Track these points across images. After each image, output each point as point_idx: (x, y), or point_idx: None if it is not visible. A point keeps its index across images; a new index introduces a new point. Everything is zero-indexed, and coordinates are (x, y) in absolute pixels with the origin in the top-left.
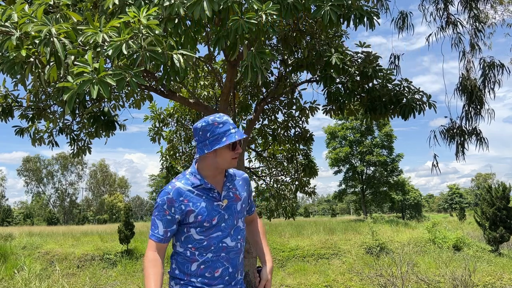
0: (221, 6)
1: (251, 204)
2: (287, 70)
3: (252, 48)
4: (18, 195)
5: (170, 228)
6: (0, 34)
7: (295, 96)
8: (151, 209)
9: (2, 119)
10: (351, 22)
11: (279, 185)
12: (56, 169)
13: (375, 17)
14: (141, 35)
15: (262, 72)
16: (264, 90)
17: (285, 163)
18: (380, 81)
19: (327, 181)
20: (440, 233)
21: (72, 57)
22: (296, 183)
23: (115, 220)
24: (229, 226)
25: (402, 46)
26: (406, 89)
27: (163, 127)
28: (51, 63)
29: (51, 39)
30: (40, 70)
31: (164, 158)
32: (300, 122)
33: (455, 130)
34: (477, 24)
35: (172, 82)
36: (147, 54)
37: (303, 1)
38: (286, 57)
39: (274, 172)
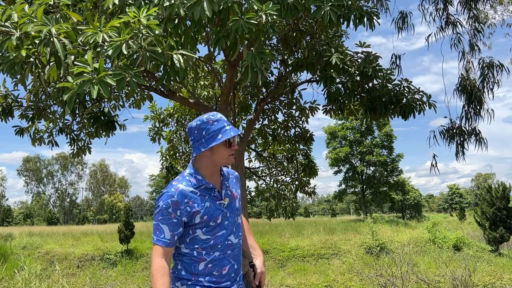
0: (221, 7)
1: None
2: (287, 70)
3: (252, 48)
4: (18, 195)
5: (177, 231)
6: (0, 34)
7: (295, 96)
8: (151, 209)
9: (2, 119)
10: (351, 22)
11: (279, 185)
12: (56, 169)
13: (375, 17)
14: (141, 35)
15: (262, 72)
16: (264, 90)
17: (285, 163)
18: (380, 81)
19: (327, 181)
20: (440, 233)
21: (72, 57)
22: (296, 183)
23: (115, 220)
24: (231, 224)
25: (402, 46)
26: (406, 89)
27: (163, 127)
28: (51, 63)
29: (51, 39)
30: (40, 70)
31: (164, 158)
32: (300, 122)
33: (455, 130)
34: (477, 24)
35: (172, 82)
36: (147, 54)
37: (303, 1)
38: (286, 57)
39: (274, 172)
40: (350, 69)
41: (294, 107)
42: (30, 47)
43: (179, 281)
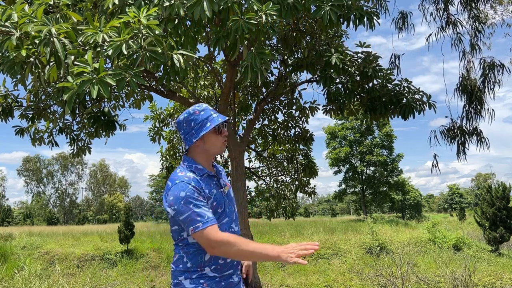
0: (221, 7)
1: None
2: (287, 70)
3: (252, 48)
4: (18, 195)
5: (212, 211)
6: (0, 34)
7: (295, 96)
8: (151, 209)
9: (2, 119)
10: (351, 22)
11: (279, 185)
12: (56, 169)
13: (375, 17)
14: (141, 35)
15: (262, 72)
16: (264, 90)
17: (285, 163)
18: (380, 81)
19: (327, 181)
20: (440, 233)
21: (72, 57)
22: (296, 183)
23: (115, 220)
24: (231, 212)
25: (402, 46)
26: (406, 89)
27: (163, 127)
28: (51, 63)
29: (51, 39)
30: (40, 70)
31: (164, 158)
32: (300, 122)
33: (455, 130)
34: (477, 24)
35: (172, 82)
36: (147, 54)
37: (303, 1)
38: (286, 57)
39: (274, 172)
40: (350, 69)
41: (294, 107)
42: (30, 47)
43: (182, 274)
